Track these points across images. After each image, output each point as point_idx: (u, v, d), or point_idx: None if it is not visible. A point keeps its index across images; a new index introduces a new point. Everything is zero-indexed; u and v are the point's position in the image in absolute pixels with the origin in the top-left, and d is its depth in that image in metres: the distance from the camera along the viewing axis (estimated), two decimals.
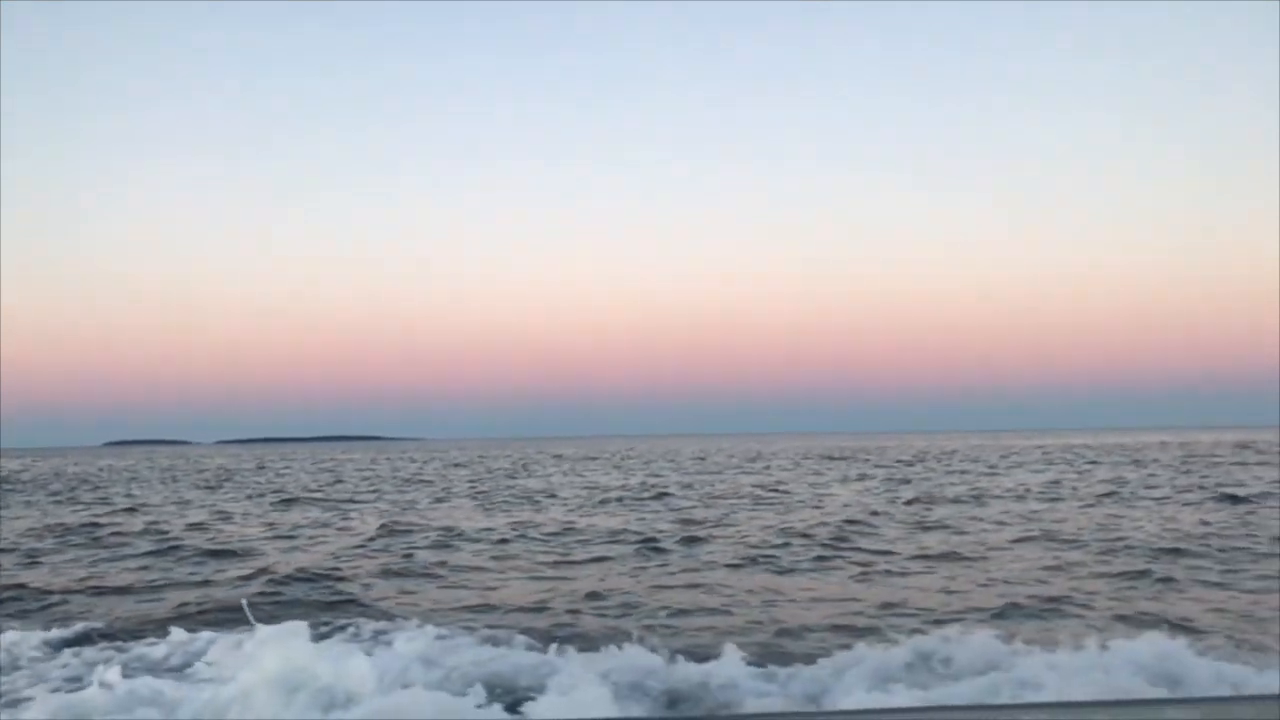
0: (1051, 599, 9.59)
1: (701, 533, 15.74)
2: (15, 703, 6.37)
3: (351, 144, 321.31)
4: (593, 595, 10.36)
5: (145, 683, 6.28)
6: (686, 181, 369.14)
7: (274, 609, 9.68)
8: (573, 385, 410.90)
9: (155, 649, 7.72)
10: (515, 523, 18.18)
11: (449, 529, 17.14)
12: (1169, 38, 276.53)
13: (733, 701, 6.09)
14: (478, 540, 15.48)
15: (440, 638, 7.66)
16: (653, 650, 6.87)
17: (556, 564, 12.85)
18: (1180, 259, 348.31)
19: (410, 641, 7.42)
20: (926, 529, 15.86)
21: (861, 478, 31.40)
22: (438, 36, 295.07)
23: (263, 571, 12.29)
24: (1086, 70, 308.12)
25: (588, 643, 7.47)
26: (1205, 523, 15.59)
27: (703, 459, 53.51)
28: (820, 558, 12.79)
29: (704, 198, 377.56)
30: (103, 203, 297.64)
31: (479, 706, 5.84)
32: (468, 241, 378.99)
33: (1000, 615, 8.94)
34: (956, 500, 21.34)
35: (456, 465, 51.65)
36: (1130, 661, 6.11)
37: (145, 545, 15.49)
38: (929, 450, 62.34)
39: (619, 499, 23.81)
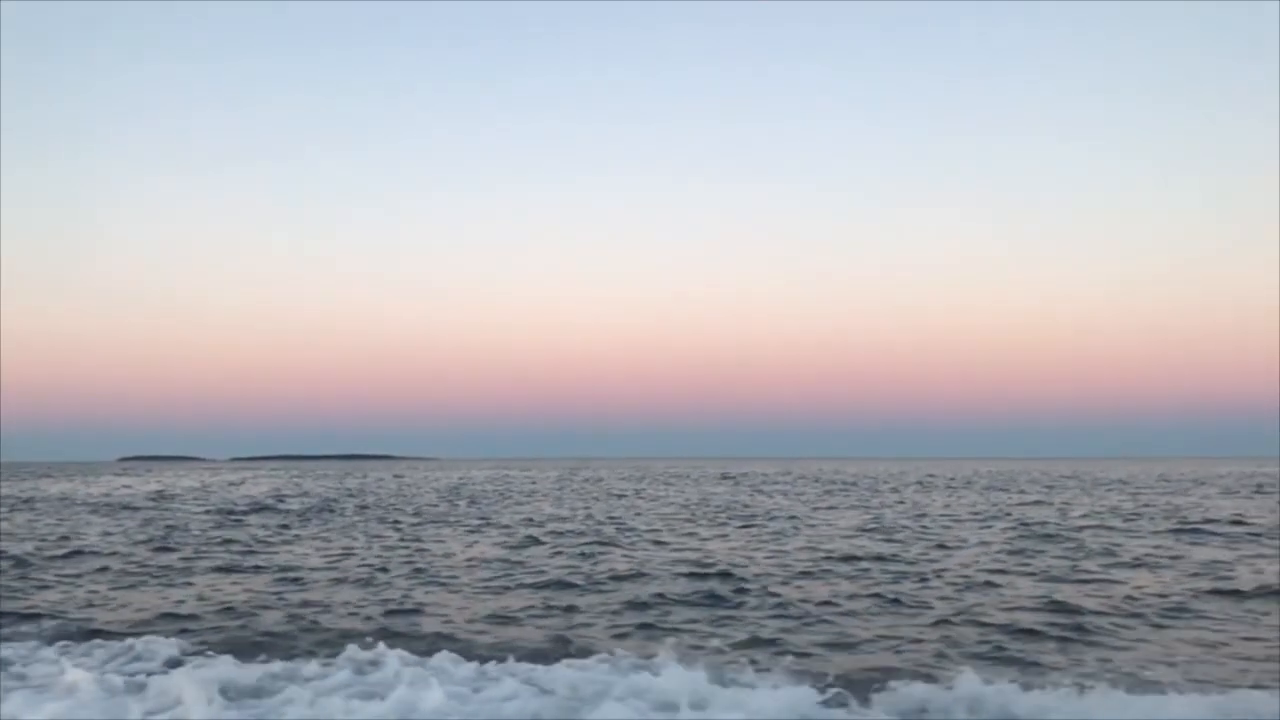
0: None
1: None
2: None
3: (366, 160, 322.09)
4: None
5: None
6: (698, 199, 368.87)
7: None
8: (586, 405, 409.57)
9: None
10: None
11: None
12: (1182, 50, 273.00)
13: None
14: None
15: None
16: None
17: None
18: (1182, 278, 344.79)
19: None
20: None
21: None
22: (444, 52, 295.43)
23: None
24: (1081, 91, 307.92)
25: None
26: None
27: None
28: None
29: (718, 215, 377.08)
30: (115, 216, 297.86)
31: None
32: (487, 258, 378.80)
33: None
34: None
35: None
36: None
37: None
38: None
39: None
